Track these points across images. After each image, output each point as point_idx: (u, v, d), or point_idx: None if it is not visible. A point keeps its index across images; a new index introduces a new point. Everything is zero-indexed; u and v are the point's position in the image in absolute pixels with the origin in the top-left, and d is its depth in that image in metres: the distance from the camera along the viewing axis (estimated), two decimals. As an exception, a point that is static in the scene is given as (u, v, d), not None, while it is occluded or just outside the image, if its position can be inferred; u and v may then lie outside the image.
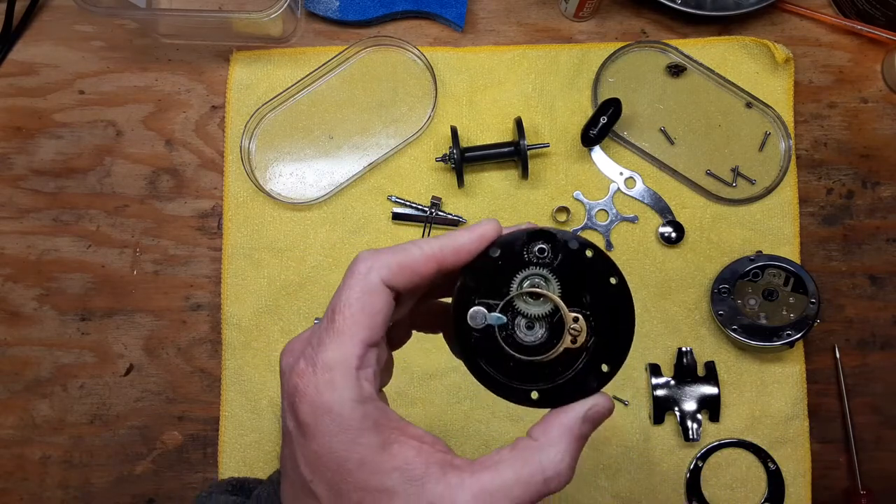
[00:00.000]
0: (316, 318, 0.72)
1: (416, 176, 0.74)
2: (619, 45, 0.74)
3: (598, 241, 0.73)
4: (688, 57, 0.74)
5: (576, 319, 0.37)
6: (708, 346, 0.71)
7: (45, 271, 0.74)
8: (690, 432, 0.69)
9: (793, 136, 0.73)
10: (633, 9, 0.77)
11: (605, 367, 0.37)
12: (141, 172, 0.75)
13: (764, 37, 0.75)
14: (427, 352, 0.71)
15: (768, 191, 0.73)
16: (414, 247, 0.36)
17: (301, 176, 0.74)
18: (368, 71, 0.75)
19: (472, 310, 0.37)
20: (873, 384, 0.72)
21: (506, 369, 0.37)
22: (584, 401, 0.36)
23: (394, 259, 0.35)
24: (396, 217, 0.73)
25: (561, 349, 0.37)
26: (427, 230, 0.73)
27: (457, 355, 0.39)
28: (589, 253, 0.37)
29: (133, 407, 0.73)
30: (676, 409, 0.69)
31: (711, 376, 0.70)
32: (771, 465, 0.69)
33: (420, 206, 0.73)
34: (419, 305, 0.41)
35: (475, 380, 0.37)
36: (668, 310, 0.72)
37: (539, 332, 0.38)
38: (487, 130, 0.74)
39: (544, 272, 0.38)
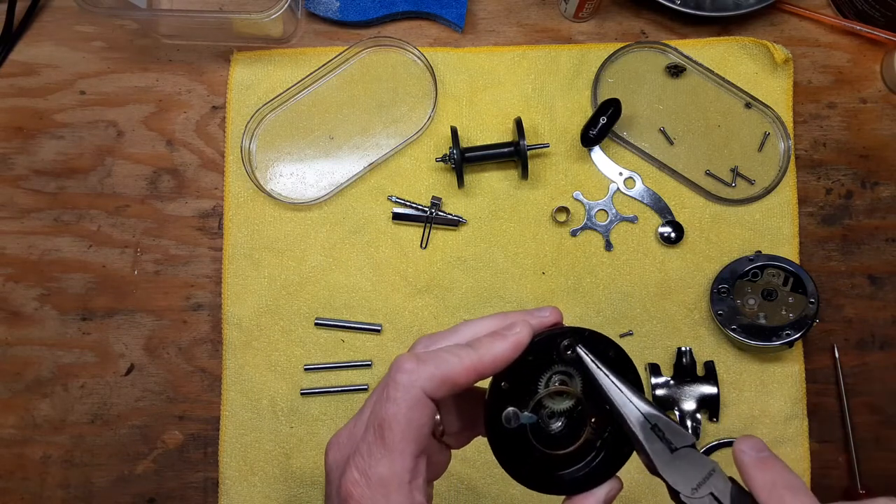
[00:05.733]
0: (317, 319, 0.72)
1: (416, 176, 0.74)
2: (619, 45, 0.75)
3: (598, 241, 0.73)
4: (687, 57, 0.74)
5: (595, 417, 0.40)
6: (707, 346, 0.71)
7: (46, 271, 0.74)
8: (689, 432, 0.69)
9: (792, 136, 0.73)
10: (633, 9, 0.77)
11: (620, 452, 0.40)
12: (142, 173, 0.76)
13: (763, 37, 0.75)
14: (427, 351, 0.72)
15: (767, 191, 0.73)
16: (453, 357, 0.38)
17: (301, 176, 0.74)
18: (368, 71, 0.76)
19: (505, 412, 0.39)
20: (872, 384, 0.72)
21: (530, 460, 0.40)
22: (602, 486, 0.40)
23: (437, 372, 0.37)
24: (396, 217, 0.73)
25: (581, 441, 0.40)
26: (427, 230, 0.73)
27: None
28: (611, 353, 0.40)
29: (134, 406, 0.73)
30: (676, 408, 0.69)
31: (711, 376, 0.70)
32: (770, 465, 0.69)
33: (420, 207, 0.73)
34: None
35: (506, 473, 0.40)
36: (668, 309, 0.72)
37: (558, 424, 0.40)
38: (487, 130, 0.74)
39: (570, 368, 0.40)
